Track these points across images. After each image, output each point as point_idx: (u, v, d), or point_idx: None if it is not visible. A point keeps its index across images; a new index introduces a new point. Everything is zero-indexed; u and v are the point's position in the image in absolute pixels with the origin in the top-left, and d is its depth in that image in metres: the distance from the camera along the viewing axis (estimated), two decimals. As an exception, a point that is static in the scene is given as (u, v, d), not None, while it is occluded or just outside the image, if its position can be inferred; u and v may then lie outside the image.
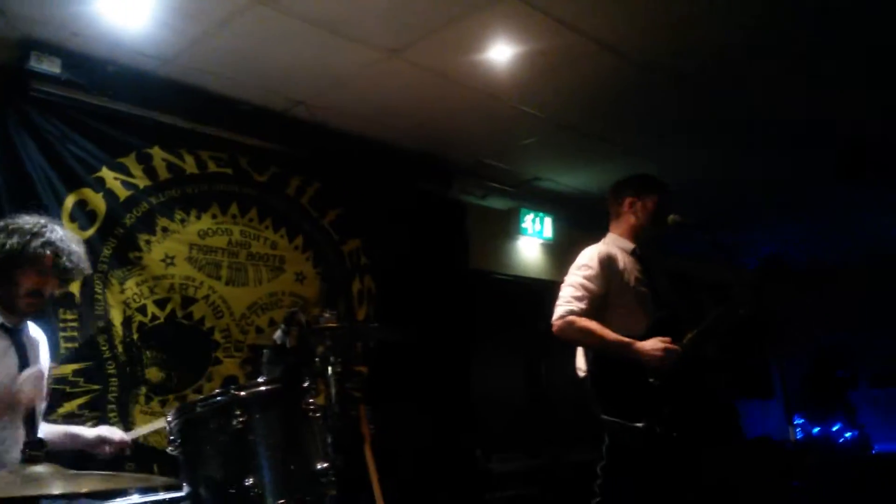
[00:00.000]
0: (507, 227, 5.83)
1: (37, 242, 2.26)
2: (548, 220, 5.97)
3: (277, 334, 2.25)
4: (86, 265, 2.39)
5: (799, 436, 7.14)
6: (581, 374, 3.14)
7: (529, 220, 5.84)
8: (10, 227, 2.30)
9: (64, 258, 2.30)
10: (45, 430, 2.46)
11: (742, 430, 6.27)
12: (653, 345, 2.95)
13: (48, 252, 2.27)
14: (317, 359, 2.59)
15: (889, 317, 6.90)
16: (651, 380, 2.96)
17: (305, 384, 2.18)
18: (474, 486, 4.76)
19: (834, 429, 6.69)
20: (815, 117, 4.58)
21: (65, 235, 2.34)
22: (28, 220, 2.33)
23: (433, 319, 4.76)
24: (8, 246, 2.23)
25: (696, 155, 5.12)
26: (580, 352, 3.17)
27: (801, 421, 7.09)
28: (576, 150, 4.97)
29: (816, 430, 6.79)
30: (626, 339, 2.96)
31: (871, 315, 6.98)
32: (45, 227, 2.31)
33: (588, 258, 3.14)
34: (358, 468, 3.41)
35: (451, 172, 5.19)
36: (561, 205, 5.91)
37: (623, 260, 3.20)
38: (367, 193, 4.61)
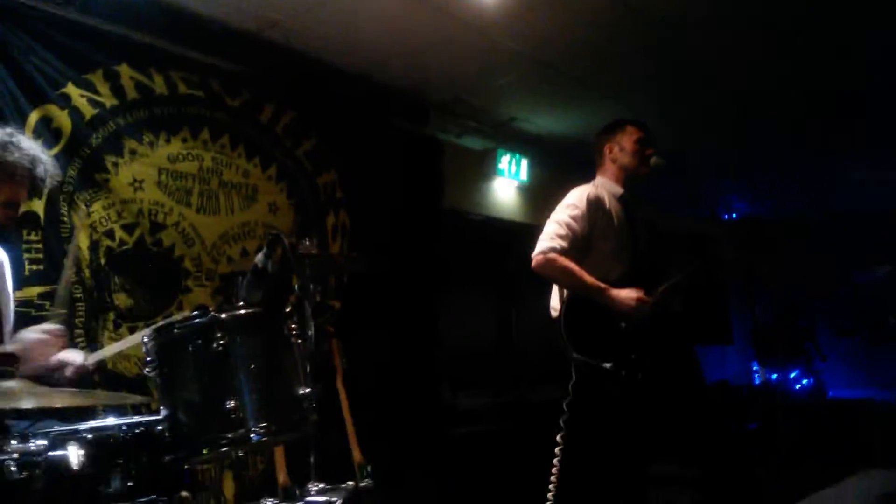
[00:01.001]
0: (483, 168, 5.77)
1: (11, 152, 2.16)
2: (524, 162, 5.92)
3: (259, 257, 2.19)
4: (58, 174, 2.30)
5: (756, 382, 7.37)
6: (554, 313, 3.18)
7: (506, 161, 5.78)
8: None
9: (40, 167, 2.22)
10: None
11: (702, 375, 6.44)
12: (627, 294, 3.04)
13: (25, 162, 2.19)
14: (296, 286, 2.54)
15: (850, 271, 7.11)
16: (622, 324, 3.03)
17: (287, 309, 2.13)
18: (439, 421, 4.82)
19: (791, 375, 6.92)
20: (786, 71, 4.59)
21: (34, 144, 2.24)
22: None
23: (406, 257, 4.74)
24: None
25: (675, 103, 5.10)
26: (555, 291, 3.20)
27: (759, 367, 7.32)
28: (555, 91, 4.91)
29: (774, 376, 7.02)
30: (602, 285, 3.04)
31: (835, 268, 7.17)
32: (13, 136, 2.20)
33: (577, 198, 3.17)
34: (329, 401, 3.41)
35: (429, 109, 5.09)
36: (538, 147, 5.86)
37: (610, 204, 3.22)
38: (343, 126, 4.49)
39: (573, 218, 3.10)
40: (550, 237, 3.07)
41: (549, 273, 3.07)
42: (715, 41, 4.19)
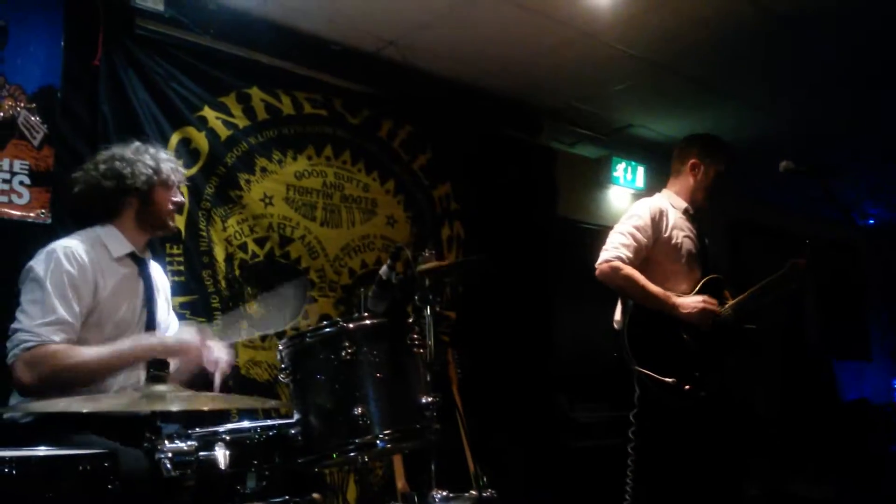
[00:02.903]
0: (598, 176, 5.67)
1: (165, 161, 2.41)
2: (640, 170, 5.77)
3: (383, 269, 2.26)
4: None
5: (898, 400, 6.83)
6: (617, 326, 3.14)
7: (621, 169, 5.66)
8: (121, 156, 2.39)
9: (181, 170, 2.52)
10: None
11: (837, 393, 6.04)
12: (693, 300, 3.01)
13: (178, 167, 2.48)
14: (416, 296, 2.60)
15: None
16: (686, 337, 2.95)
17: (410, 319, 2.19)
18: (558, 433, 4.76)
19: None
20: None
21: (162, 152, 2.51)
22: (129, 146, 2.45)
23: (520, 266, 4.73)
24: (140, 171, 2.33)
25: (801, 101, 4.82)
26: (619, 305, 3.15)
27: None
28: (673, 95, 4.76)
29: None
30: (666, 293, 3.01)
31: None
32: (150, 146, 2.47)
33: (640, 209, 3.17)
34: (445, 410, 3.45)
35: (541, 118, 5.08)
36: (654, 154, 5.69)
37: (674, 217, 3.17)
38: (457, 138, 4.57)
39: (637, 228, 3.08)
40: (615, 246, 3.05)
41: (614, 282, 3.03)
42: (842, 36, 3.94)
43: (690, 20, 3.75)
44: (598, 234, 5.66)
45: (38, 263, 2.18)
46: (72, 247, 2.23)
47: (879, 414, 5.79)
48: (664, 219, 3.14)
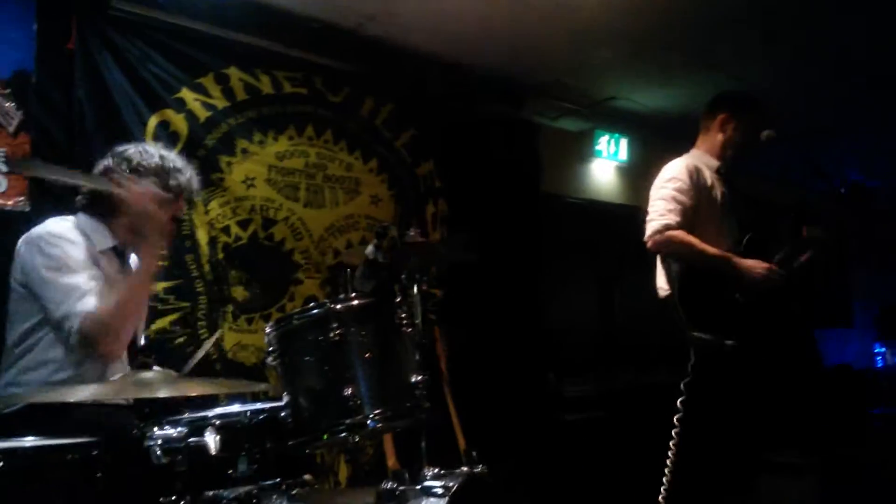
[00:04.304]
0: (581, 150, 5.67)
1: (179, 175, 2.32)
2: (623, 142, 5.77)
3: (369, 249, 2.25)
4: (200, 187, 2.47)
5: (880, 364, 6.94)
6: (662, 293, 3.07)
7: (604, 142, 5.65)
8: (138, 163, 2.28)
9: (196, 184, 2.41)
10: None
11: (821, 358, 6.12)
12: (756, 263, 2.92)
13: (193, 184, 2.38)
14: (403, 275, 2.59)
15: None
16: (737, 296, 2.91)
17: (397, 298, 2.19)
18: (546, 409, 4.80)
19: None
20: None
21: (184, 161, 2.40)
22: (148, 152, 2.33)
23: (505, 243, 4.72)
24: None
25: (787, 72, 4.82)
26: (660, 271, 3.10)
27: (883, 350, 6.88)
28: (656, 66, 4.74)
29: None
30: (728, 255, 2.92)
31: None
32: (169, 158, 2.34)
33: (677, 170, 3.04)
34: (432, 388, 3.47)
35: (524, 92, 5.04)
36: (637, 126, 5.69)
37: (709, 176, 3.10)
38: (439, 115, 4.53)
39: (678, 190, 2.97)
40: (661, 213, 2.94)
41: (671, 250, 2.93)
42: (827, 4, 3.93)
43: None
44: (582, 208, 5.72)
45: (34, 253, 2.11)
46: (59, 230, 2.16)
47: (861, 379, 5.90)
48: (701, 176, 3.05)
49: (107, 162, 2.30)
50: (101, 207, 2.28)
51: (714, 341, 2.80)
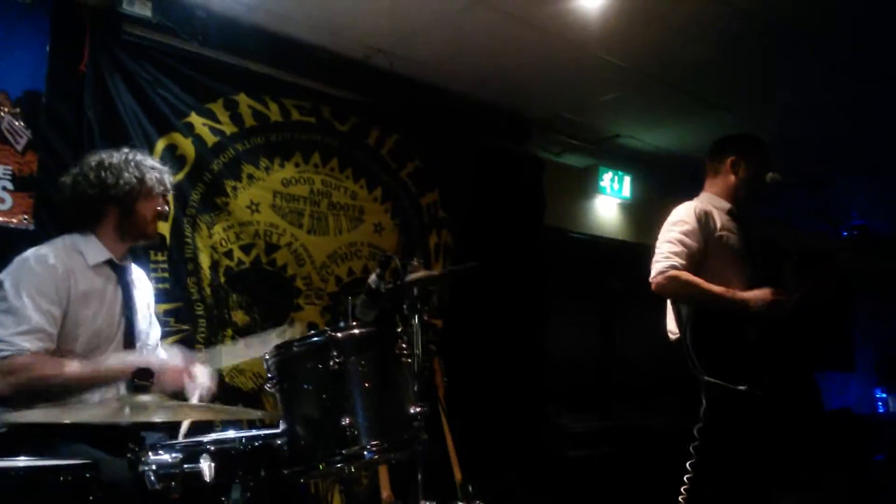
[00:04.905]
0: (585, 186, 5.70)
1: (151, 170, 2.37)
2: (627, 179, 5.80)
3: (372, 279, 2.24)
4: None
5: (881, 410, 6.88)
6: (672, 336, 3.06)
7: (608, 179, 5.69)
8: (108, 162, 2.35)
9: (167, 178, 2.47)
10: None
11: (822, 403, 6.07)
12: (761, 292, 2.90)
13: (164, 177, 2.43)
14: (405, 305, 2.58)
15: None
16: (747, 331, 2.89)
17: (398, 329, 2.17)
18: (546, 443, 4.75)
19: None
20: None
21: (153, 160, 2.50)
22: (118, 153, 2.41)
23: (507, 275, 4.72)
24: (124, 181, 2.30)
25: (788, 110, 4.86)
26: (670, 314, 3.09)
27: (884, 395, 6.82)
28: (661, 105, 4.78)
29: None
30: (730, 290, 2.92)
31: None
32: (139, 154, 2.43)
33: (684, 214, 3.05)
34: (431, 419, 3.44)
35: (529, 127, 5.09)
36: (641, 164, 5.73)
37: (720, 218, 3.10)
38: (445, 146, 4.56)
39: (685, 234, 2.98)
40: (666, 255, 2.95)
41: (674, 290, 2.94)
42: (830, 48, 3.97)
43: (678, 31, 3.77)
44: (584, 243, 5.73)
45: (10, 272, 2.16)
46: (44, 253, 2.21)
47: (863, 424, 5.83)
48: (710, 220, 3.04)
49: (75, 171, 2.36)
50: (87, 220, 2.34)
51: (727, 386, 2.77)
